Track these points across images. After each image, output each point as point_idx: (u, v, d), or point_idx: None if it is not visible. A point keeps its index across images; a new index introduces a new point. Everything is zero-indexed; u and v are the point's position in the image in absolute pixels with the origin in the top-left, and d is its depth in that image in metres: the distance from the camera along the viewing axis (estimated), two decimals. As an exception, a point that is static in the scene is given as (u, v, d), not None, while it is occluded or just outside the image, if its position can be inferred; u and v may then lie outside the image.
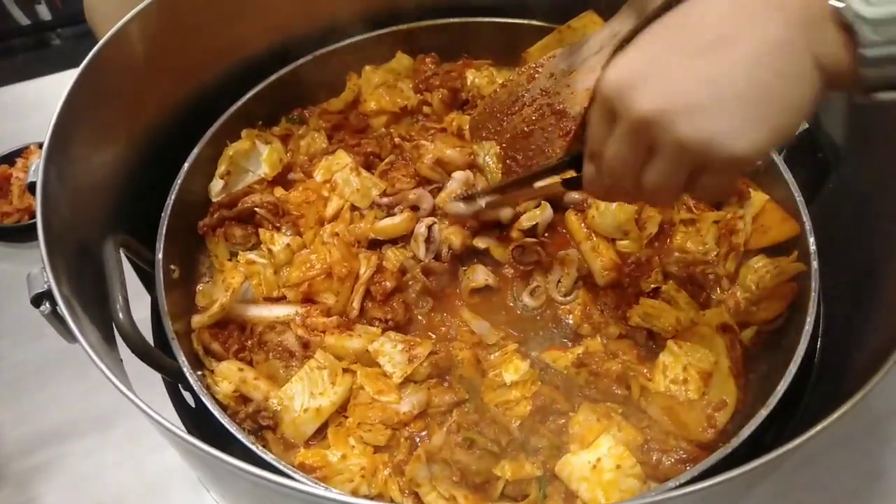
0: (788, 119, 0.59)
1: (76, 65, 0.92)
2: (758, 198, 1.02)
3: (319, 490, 0.57)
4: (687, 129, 0.59)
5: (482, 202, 1.02)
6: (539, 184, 0.96)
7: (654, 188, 0.65)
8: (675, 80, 0.60)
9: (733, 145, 0.58)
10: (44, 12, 3.81)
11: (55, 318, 0.72)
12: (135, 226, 0.98)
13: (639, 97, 0.61)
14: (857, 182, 1.03)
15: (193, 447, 0.60)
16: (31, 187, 0.78)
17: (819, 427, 0.62)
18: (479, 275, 1.03)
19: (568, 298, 1.02)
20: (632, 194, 0.71)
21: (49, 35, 3.93)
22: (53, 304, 0.71)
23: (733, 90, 0.58)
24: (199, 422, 0.95)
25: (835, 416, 0.63)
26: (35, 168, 0.79)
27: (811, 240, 0.94)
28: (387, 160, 1.16)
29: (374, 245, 1.06)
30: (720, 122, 0.58)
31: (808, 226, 0.96)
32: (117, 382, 0.63)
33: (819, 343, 0.96)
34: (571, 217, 1.08)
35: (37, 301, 0.71)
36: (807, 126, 1.09)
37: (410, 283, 1.02)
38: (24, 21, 3.80)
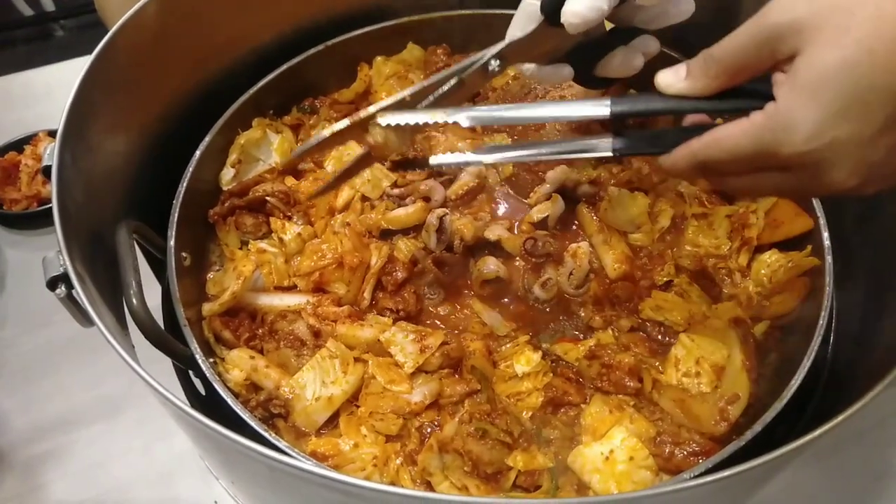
0: None
1: (79, 55, 0.92)
2: (770, 192, 1.02)
3: (337, 474, 0.57)
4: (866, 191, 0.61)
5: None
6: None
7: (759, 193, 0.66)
8: (871, 160, 0.58)
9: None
10: (47, 3, 3.80)
11: (71, 301, 0.71)
12: (146, 213, 0.98)
13: (836, 173, 0.59)
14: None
15: (211, 430, 0.59)
16: (46, 171, 0.78)
17: (835, 421, 0.62)
18: (490, 266, 1.02)
19: (579, 291, 1.01)
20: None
21: (52, 26, 3.92)
22: (70, 286, 0.71)
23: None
24: (209, 410, 0.94)
25: (851, 411, 0.63)
26: (50, 152, 0.78)
27: (825, 234, 0.94)
28: (398, 151, 1.16)
29: (386, 235, 1.06)
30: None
31: (821, 220, 0.95)
32: (135, 365, 0.63)
33: (832, 338, 0.96)
34: (583, 210, 1.08)
35: (52, 284, 0.71)
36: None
37: (422, 273, 1.02)
38: (28, 12, 3.79)
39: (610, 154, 0.72)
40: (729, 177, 0.66)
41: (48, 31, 3.96)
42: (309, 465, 0.57)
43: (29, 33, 3.93)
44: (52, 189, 0.76)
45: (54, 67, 1.69)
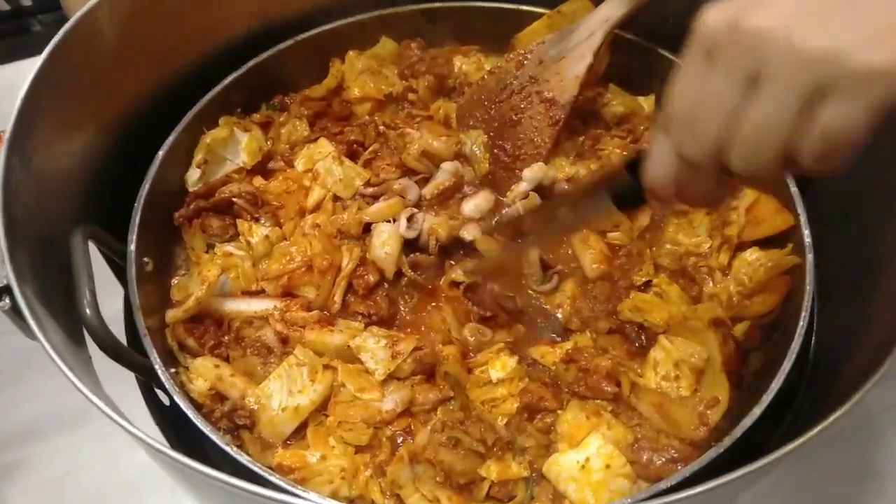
0: None
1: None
2: (752, 189, 1.00)
3: (292, 498, 0.54)
4: (809, 40, 0.48)
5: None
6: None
7: (758, 130, 0.52)
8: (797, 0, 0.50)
9: (866, 55, 0.47)
10: (24, -3, 3.72)
11: (16, 314, 0.68)
12: (107, 216, 0.94)
13: (750, 17, 0.50)
14: (853, 172, 1.00)
15: (163, 455, 0.56)
16: (-8, 176, 0.74)
17: (819, 427, 0.60)
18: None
19: (545, 287, 0.98)
20: (715, 167, 0.57)
21: (29, 20, 3.84)
22: (14, 299, 0.67)
23: (870, 1, 0.49)
24: (173, 419, 0.92)
25: (836, 415, 0.61)
26: (-4, 157, 0.75)
27: (806, 232, 0.92)
28: (371, 149, 1.12)
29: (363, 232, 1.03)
30: (851, 30, 0.48)
31: (802, 218, 0.93)
32: (80, 385, 0.60)
33: (814, 338, 0.94)
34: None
35: (-5, 296, 0.68)
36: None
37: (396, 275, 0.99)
38: (4, 7, 3.72)
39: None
40: (702, 126, 0.55)
41: (25, 26, 3.88)
42: (265, 490, 0.54)
43: (5, 28, 3.85)
44: (-3, 196, 0.72)
45: (23, 63, 1.64)
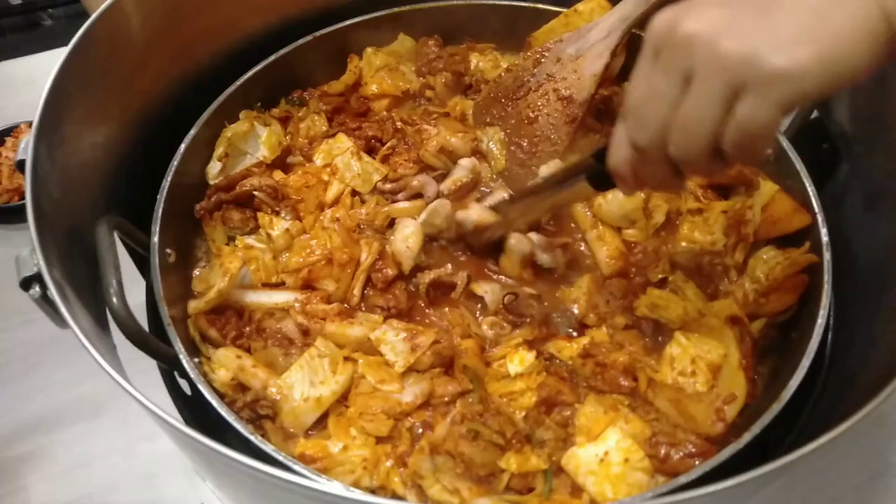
0: (839, 52, 0.54)
1: (66, 44, 0.88)
2: (767, 187, 1.00)
3: (319, 485, 0.55)
4: (727, 44, 0.56)
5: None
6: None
7: (688, 122, 0.59)
8: (723, 7, 0.58)
9: (774, 59, 0.54)
10: (35, -9, 3.73)
11: (45, 301, 0.69)
12: (129, 208, 0.95)
13: (684, 22, 0.58)
14: (869, 171, 1.01)
15: (190, 438, 0.57)
16: (21, 165, 0.75)
17: (844, 426, 0.60)
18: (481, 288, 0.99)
19: (553, 259, 0.99)
20: (660, 153, 0.63)
21: (40, 15, 3.85)
22: (44, 287, 0.68)
23: (783, 11, 0.55)
24: (195, 408, 0.93)
25: (860, 414, 0.61)
26: (25, 146, 0.75)
27: (823, 231, 0.92)
28: (388, 144, 1.13)
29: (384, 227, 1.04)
30: (763, 37, 0.55)
31: (819, 217, 0.94)
32: (110, 370, 0.61)
33: (830, 336, 0.95)
34: (577, 205, 1.05)
35: (26, 284, 0.69)
36: (816, 114, 1.07)
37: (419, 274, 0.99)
38: (15, 0, 3.73)
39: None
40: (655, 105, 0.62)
41: (36, 20, 3.89)
42: (292, 476, 0.54)
43: (16, 22, 3.86)
44: (27, 185, 0.73)
45: (38, 57, 1.65)
